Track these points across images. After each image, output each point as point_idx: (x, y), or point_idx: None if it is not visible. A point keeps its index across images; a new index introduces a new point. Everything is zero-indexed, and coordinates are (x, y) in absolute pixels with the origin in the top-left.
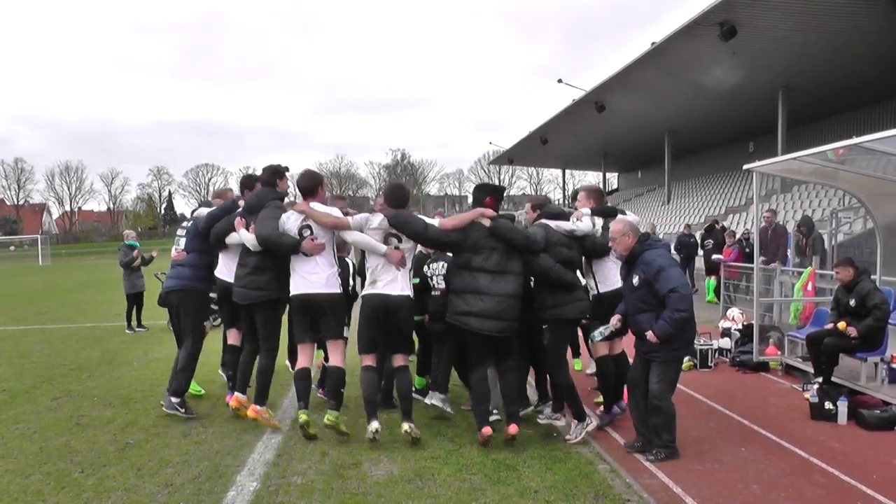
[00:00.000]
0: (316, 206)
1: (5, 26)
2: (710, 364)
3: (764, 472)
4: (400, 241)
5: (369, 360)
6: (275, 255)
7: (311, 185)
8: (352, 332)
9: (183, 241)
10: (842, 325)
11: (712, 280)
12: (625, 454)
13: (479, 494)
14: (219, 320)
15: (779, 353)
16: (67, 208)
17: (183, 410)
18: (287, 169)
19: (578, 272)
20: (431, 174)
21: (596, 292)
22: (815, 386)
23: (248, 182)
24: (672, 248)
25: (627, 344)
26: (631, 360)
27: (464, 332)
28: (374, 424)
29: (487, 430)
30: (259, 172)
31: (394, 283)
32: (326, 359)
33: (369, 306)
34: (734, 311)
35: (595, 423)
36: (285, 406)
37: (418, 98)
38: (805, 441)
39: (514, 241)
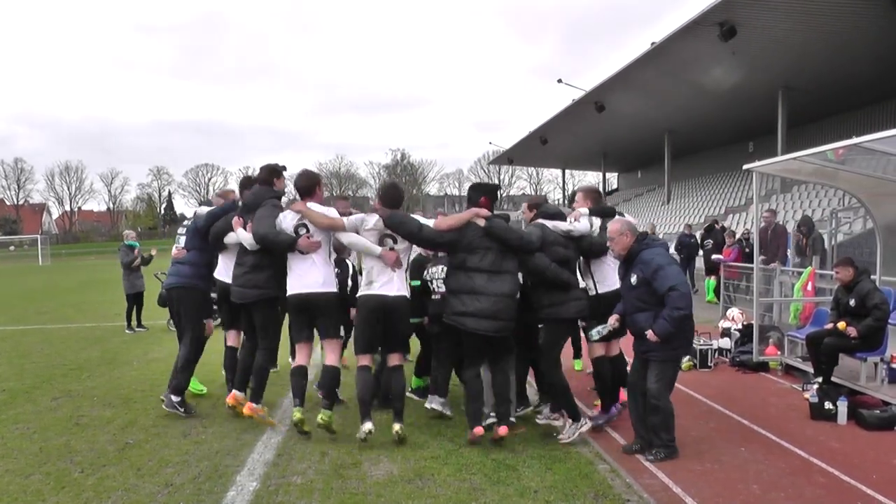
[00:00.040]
0: (313, 206)
1: (5, 26)
2: (709, 364)
3: (764, 472)
4: (395, 241)
5: (365, 361)
6: (272, 253)
7: (309, 185)
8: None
9: (183, 239)
10: (841, 325)
11: (712, 280)
12: (625, 454)
13: (479, 494)
14: (219, 320)
15: (778, 353)
16: (67, 208)
17: (183, 410)
18: (284, 168)
19: (578, 273)
20: (431, 174)
21: (594, 293)
22: (815, 386)
23: (247, 183)
24: (673, 248)
25: (626, 346)
26: (629, 362)
27: (460, 331)
28: (368, 426)
29: (479, 430)
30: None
31: (390, 283)
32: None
33: (366, 307)
34: (734, 311)
35: (589, 424)
36: (285, 406)
37: (418, 98)
38: (805, 441)
39: (508, 241)
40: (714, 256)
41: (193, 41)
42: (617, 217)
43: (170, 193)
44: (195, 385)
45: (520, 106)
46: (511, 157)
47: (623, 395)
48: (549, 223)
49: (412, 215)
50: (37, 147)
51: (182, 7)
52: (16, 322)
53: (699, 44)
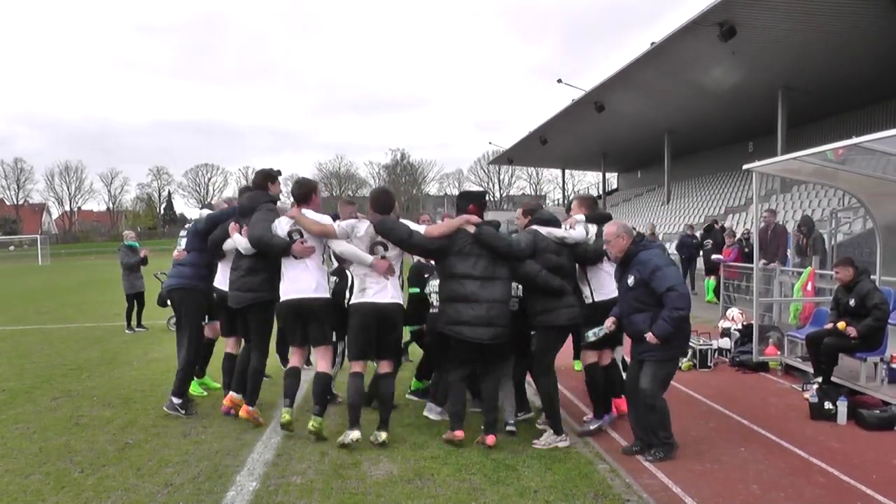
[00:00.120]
0: (308, 213)
1: (5, 26)
2: (709, 364)
3: (763, 472)
4: (386, 248)
5: (358, 367)
6: (266, 257)
7: (305, 192)
8: None
9: (184, 241)
10: (841, 325)
11: (712, 280)
12: (624, 455)
13: (479, 494)
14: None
15: (778, 353)
16: (67, 208)
17: (183, 412)
18: (279, 173)
19: (578, 280)
20: (431, 174)
21: (591, 300)
22: (815, 386)
23: (246, 191)
24: (674, 248)
25: (626, 350)
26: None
27: (456, 339)
28: (355, 434)
29: (459, 433)
30: None
31: (384, 291)
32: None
33: (360, 314)
34: (734, 311)
35: (567, 442)
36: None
37: (418, 98)
38: (805, 441)
39: (497, 249)
40: (714, 256)
41: (193, 41)
42: (613, 220)
43: (169, 193)
44: (196, 388)
45: (520, 106)
46: (511, 157)
47: (616, 406)
48: (543, 229)
49: (402, 221)
50: (37, 147)
51: (182, 7)
52: (16, 322)
53: (699, 44)
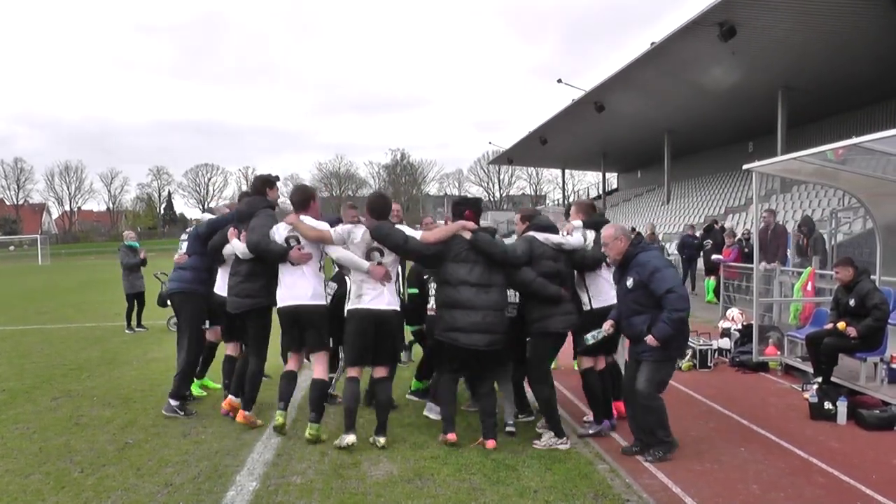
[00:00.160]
0: (306, 219)
1: (5, 26)
2: (709, 364)
3: (763, 472)
4: (383, 254)
5: (354, 373)
6: (264, 263)
7: (303, 198)
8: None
9: (185, 245)
10: (841, 325)
11: (712, 280)
12: (624, 455)
13: (479, 494)
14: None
15: (778, 353)
16: (67, 208)
17: (182, 413)
18: (277, 178)
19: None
20: (431, 174)
21: (589, 307)
22: (815, 386)
23: (246, 196)
24: (675, 248)
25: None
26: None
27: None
28: (351, 438)
29: (451, 436)
30: (259, 173)
31: (380, 297)
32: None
33: (356, 320)
34: (734, 312)
35: (568, 444)
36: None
37: (418, 98)
38: (804, 441)
39: (492, 256)
40: (714, 256)
41: (193, 41)
42: (611, 222)
43: (169, 193)
44: (196, 388)
45: (520, 106)
46: (511, 157)
47: (616, 409)
48: (541, 236)
49: (398, 227)
50: (37, 147)
51: (182, 7)
52: (16, 322)
53: (699, 44)
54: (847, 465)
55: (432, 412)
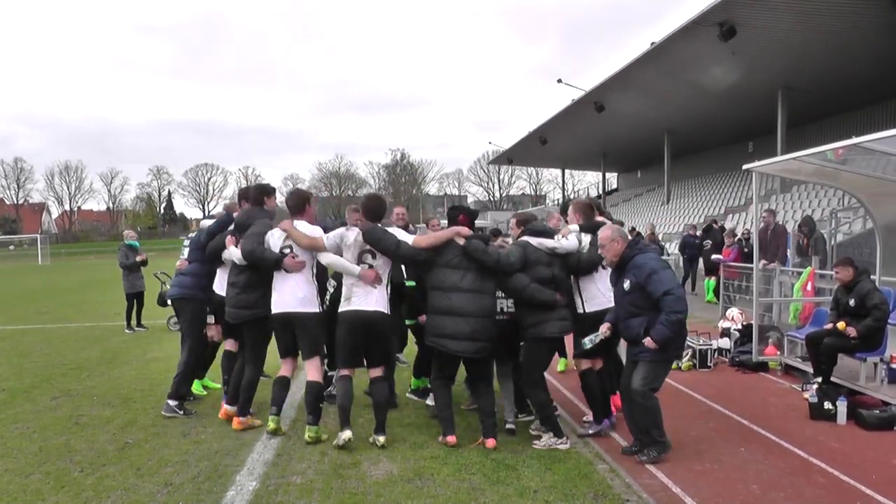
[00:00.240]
0: (299, 224)
1: (5, 26)
2: (709, 364)
3: (763, 472)
4: (374, 257)
5: (346, 372)
6: (259, 271)
7: (298, 203)
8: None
9: (187, 251)
10: (841, 325)
11: (711, 280)
12: (624, 455)
13: (479, 494)
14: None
15: (778, 353)
16: (67, 208)
17: (182, 413)
18: (274, 189)
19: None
20: (431, 174)
21: (581, 310)
22: (815, 386)
23: (245, 193)
24: (676, 248)
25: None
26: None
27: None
28: (347, 434)
29: (451, 438)
30: (259, 174)
31: (367, 298)
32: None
33: (345, 322)
34: (733, 311)
35: (567, 445)
36: (283, 408)
37: (418, 98)
38: (804, 441)
39: (485, 263)
40: (714, 256)
41: (193, 41)
42: (608, 224)
43: (169, 193)
44: (197, 386)
45: (520, 106)
46: (511, 157)
47: (613, 404)
48: (535, 241)
49: (390, 230)
50: (37, 147)
51: (182, 7)
52: (16, 322)
53: (699, 44)
54: (847, 465)
55: (433, 400)
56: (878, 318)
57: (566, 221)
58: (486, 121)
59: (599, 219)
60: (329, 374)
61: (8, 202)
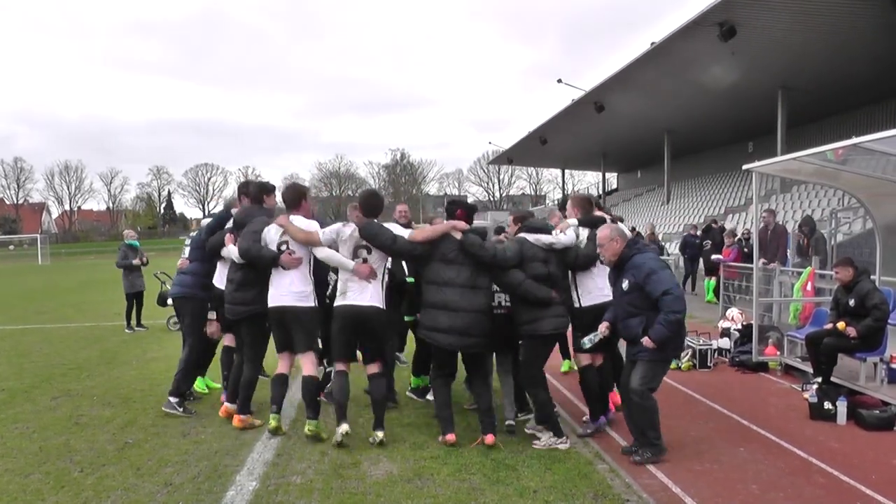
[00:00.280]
0: (295, 219)
1: (5, 26)
2: (709, 364)
3: (763, 472)
4: (370, 252)
5: (341, 366)
6: (257, 268)
7: (295, 197)
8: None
9: (188, 250)
10: (841, 325)
11: (711, 280)
12: (624, 454)
13: (479, 494)
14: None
15: (778, 353)
16: (67, 208)
17: (181, 410)
18: (274, 188)
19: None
20: (431, 174)
21: (578, 305)
22: (815, 386)
23: (245, 188)
24: (677, 248)
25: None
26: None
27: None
28: (344, 427)
29: (451, 436)
30: (259, 174)
31: (362, 293)
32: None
33: (340, 316)
34: (733, 312)
35: (567, 444)
36: (283, 407)
37: (418, 98)
38: (804, 441)
39: (481, 258)
40: (714, 256)
41: (193, 41)
42: (607, 223)
43: (169, 193)
44: (200, 384)
45: (520, 106)
46: (511, 157)
47: (612, 404)
48: (531, 237)
49: (386, 225)
50: (37, 147)
51: (182, 6)
52: (15, 322)
53: (699, 44)
54: (847, 465)
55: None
56: (878, 318)
57: (565, 217)
58: (486, 121)
59: (598, 213)
60: (328, 370)
61: (8, 202)
